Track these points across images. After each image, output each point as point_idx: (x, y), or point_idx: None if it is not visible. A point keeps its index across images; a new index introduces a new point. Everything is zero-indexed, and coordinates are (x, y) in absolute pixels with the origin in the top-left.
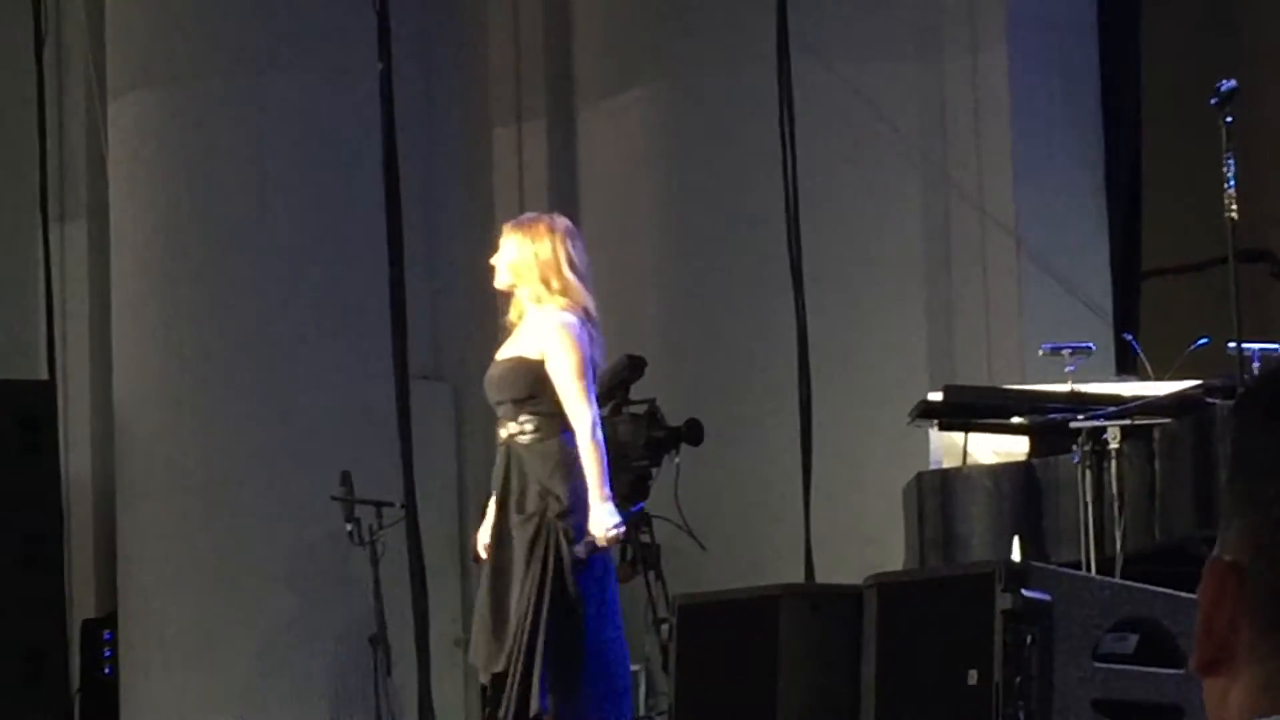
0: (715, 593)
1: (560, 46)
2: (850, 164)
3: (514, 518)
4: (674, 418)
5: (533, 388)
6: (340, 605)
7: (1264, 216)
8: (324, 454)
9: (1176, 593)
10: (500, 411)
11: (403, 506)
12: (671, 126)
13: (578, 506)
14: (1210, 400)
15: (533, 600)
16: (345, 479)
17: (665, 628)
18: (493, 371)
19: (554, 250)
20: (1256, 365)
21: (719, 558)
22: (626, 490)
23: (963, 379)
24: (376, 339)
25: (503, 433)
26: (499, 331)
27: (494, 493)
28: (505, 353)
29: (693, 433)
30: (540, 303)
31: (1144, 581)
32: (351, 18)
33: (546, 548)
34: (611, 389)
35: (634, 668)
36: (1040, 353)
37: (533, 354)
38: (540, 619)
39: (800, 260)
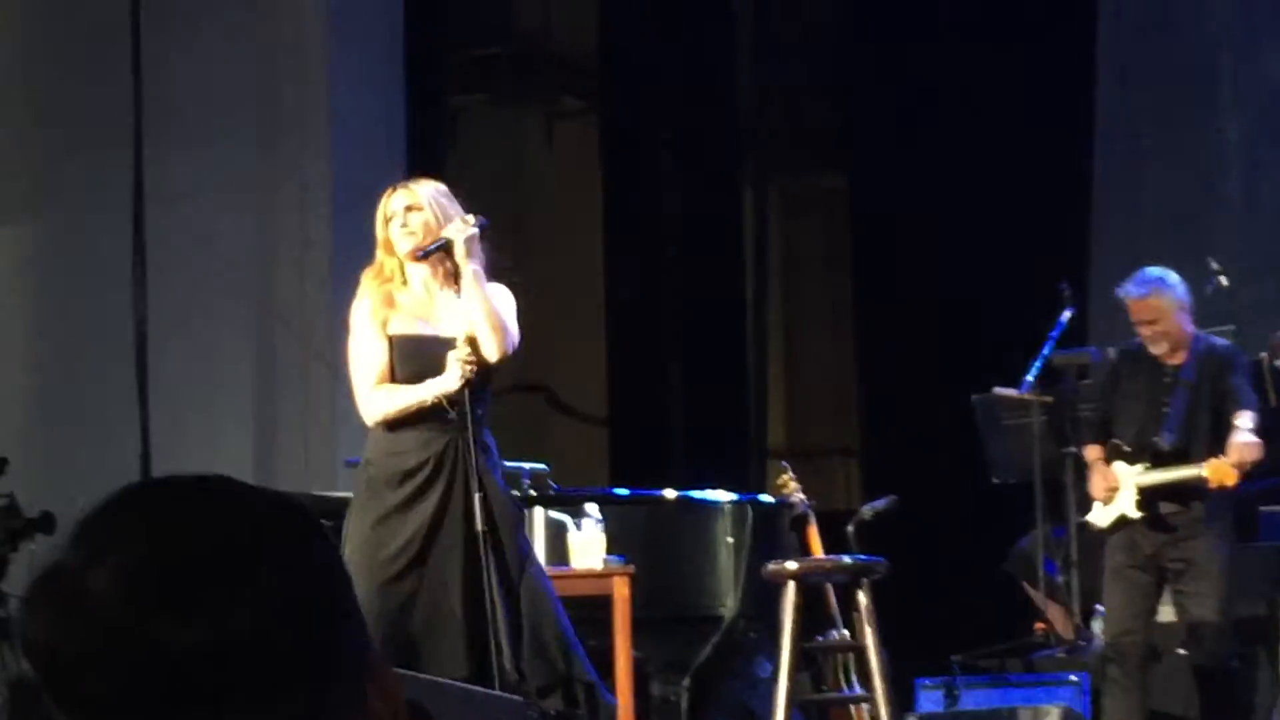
0: None
1: None
2: (192, 294)
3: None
4: (30, 510)
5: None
6: None
7: (544, 353)
8: None
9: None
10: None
11: None
12: (39, 260)
13: None
14: None
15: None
16: None
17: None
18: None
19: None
20: (526, 480)
21: None
22: None
23: (284, 486)
24: None
25: None
26: None
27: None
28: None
29: (46, 523)
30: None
31: None
32: None
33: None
34: None
35: None
36: (346, 465)
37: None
38: None
39: (146, 381)
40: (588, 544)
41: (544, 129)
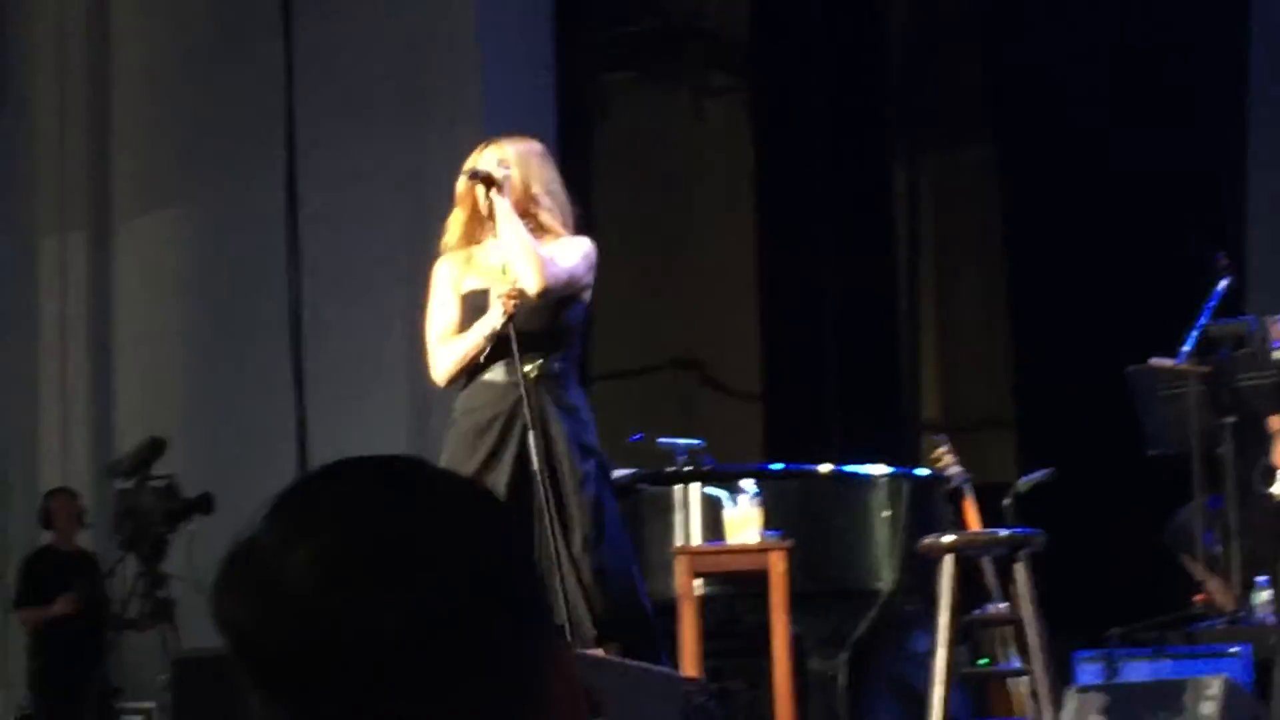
0: (211, 648)
1: (100, 168)
2: (347, 279)
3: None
4: (190, 491)
5: None
6: None
7: (697, 329)
8: None
9: None
10: None
11: None
12: (197, 244)
13: None
14: (640, 486)
15: None
16: None
17: (165, 677)
18: None
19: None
20: (681, 457)
21: None
22: (148, 553)
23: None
24: None
25: None
26: (40, 412)
27: None
28: None
29: (205, 504)
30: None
31: None
32: None
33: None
34: (136, 465)
35: (147, 705)
36: None
37: None
38: None
39: (302, 361)
40: (744, 519)
41: (694, 105)
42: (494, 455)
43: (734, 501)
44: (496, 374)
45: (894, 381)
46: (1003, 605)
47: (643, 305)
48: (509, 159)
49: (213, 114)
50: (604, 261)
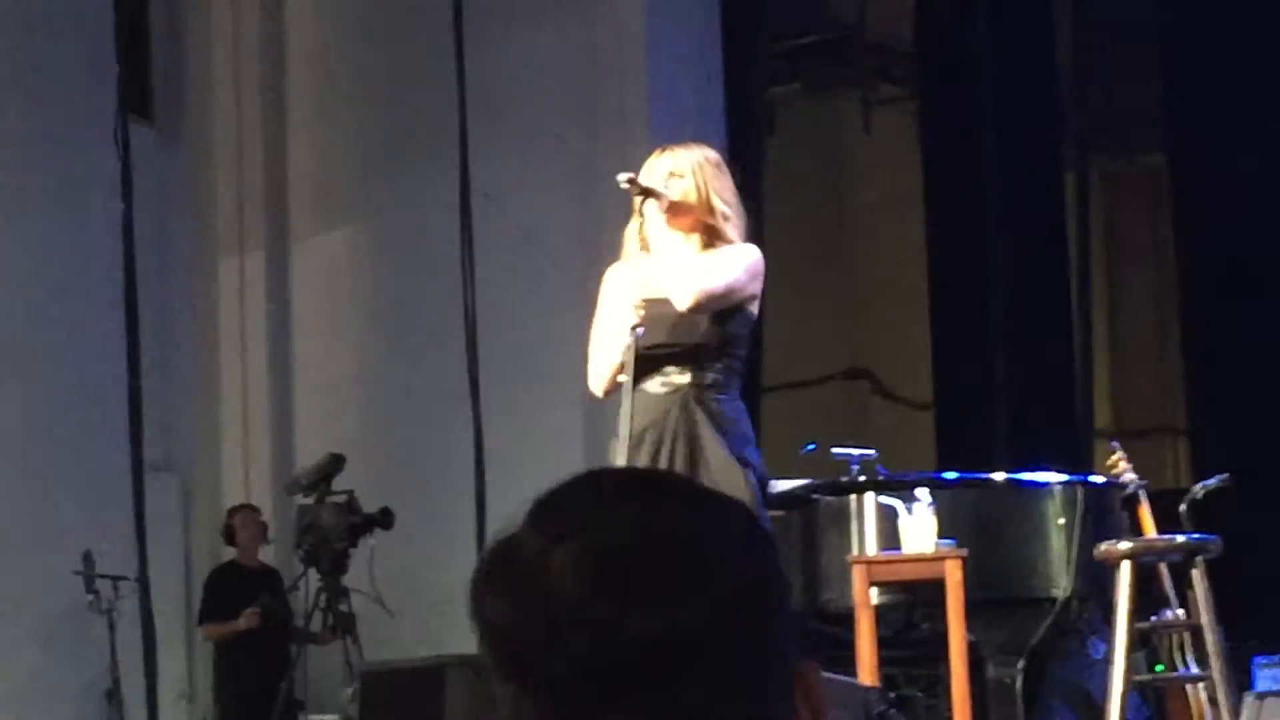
0: (394, 661)
1: (277, 187)
2: (520, 293)
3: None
4: (369, 506)
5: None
6: (81, 665)
7: (863, 340)
8: (69, 535)
9: None
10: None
11: (137, 580)
12: (371, 260)
13: None
14: (815, 496)
15: None
16: (87, 557)
17: (351, 690)
18: None
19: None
20: (855, 467)
21: (409, 628)
22: (329, 567)
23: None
24: (116, 436)
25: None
26: (221, 430)
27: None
28: None
29: (385, 519)
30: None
31: None
32: (96, 161)
33: None
34: (316, 481)
35: (331, 718)
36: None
37: None
38: None
39: (477, 375)
40: (919, 528)
41: (862, 116)
42: (652, 465)
43: (909, 510)
44: (654, 384)
45: (1066, 388)
46: (1180, 611)
47: (814, 316)
48: (682, 167)
49: (386, 133)
50: (773, 273)
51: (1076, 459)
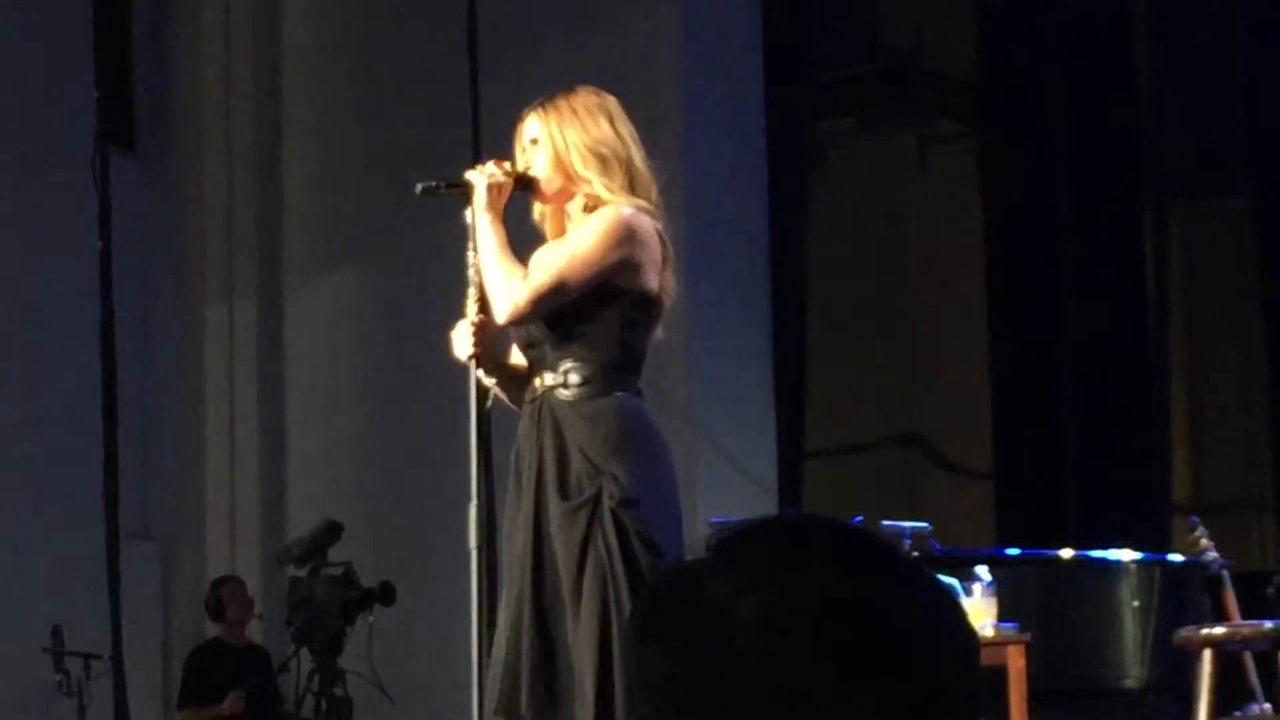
0: None
1: (271, 226)
2: None
3: (554, 502)
4: (368, 580)
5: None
6: None
7: (918, 402)
8: (36, 608)
9: None
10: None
11: (110, 659)
12: (374, 308)
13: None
14: None
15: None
16: (56, 632)
17: None
18: None
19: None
20: (907, 541)
21: (407, 712)
22: (323, 646)
23: None
24: (89, 501)
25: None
26: (205, 494)
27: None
28: None
29: (386, 594)
30: None
31: None
32: (72, 196)
33: (606, 550)
34: (309, 551)
35: None
36: (709, 525)
37: None
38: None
39: (488, 434)
40: (978, 610)
41: (917, 154)
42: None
43: (967, 590)
44: (522, 400)
45: (1141, 458)
46: (1266, 706)
47: (862, 374)
48: (538, 130)
49: (391, 168)
50: (818, 324)
51: (1152, 535)
